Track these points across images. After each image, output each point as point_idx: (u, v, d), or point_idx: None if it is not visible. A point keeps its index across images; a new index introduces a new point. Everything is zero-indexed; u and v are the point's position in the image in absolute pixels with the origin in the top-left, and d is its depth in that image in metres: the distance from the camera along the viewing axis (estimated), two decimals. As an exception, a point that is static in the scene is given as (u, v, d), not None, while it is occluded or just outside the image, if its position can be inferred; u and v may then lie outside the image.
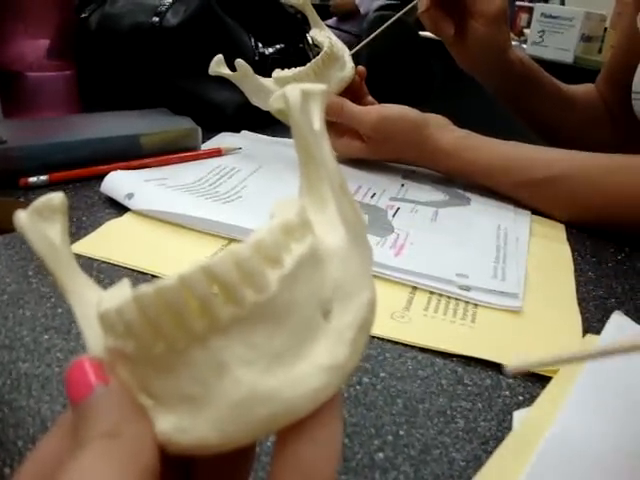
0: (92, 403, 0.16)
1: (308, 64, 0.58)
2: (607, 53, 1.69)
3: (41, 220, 0.19)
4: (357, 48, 0.63)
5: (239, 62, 0.57)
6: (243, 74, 0.58)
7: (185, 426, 0.16)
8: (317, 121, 0.20)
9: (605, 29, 1.81)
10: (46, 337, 0.34)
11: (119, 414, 0.16)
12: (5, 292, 0.37)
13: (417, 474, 0.27)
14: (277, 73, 0.59)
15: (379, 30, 0.64)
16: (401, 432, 0.30)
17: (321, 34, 0.61)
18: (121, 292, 0.19)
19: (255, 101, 0.60)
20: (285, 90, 0.20)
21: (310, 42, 0.64)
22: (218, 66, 0.58)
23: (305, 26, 0.75)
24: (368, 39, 0.65)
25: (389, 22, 0.65)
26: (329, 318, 0.17)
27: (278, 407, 0.16)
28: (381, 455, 0.28)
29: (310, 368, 0.16)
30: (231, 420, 0.16)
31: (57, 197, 0.19)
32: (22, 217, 0.19)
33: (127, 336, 0.16)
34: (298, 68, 0.58)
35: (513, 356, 0.31)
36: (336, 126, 0.60)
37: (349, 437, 0.29)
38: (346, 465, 0.27)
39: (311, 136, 0.19)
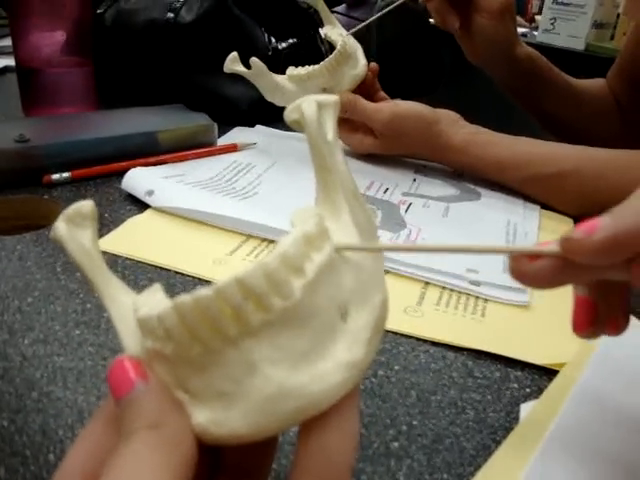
0: (134, 398, 0.18)
1: (322, 62, 0.59)
2: (619, 40, 1.68)
3: (74, 227, 0.21)
4: (358, 27, 0.63)
5: (254, 60, 0.58)
6: (258, 72, 0.59)
7: (219, 419, 0.18)
8: (330, 131, 0.21)
9: (618, 15, 1.80)
10: (77, 332, 0.36)
11: (159, 407, 0.18)
12: (36, 288, 0.39)
13: (430, 462, 0.29)
14: (291, 71, 0.60)
15: (381, 13, 0.65)
16: (414, 422, 0.31)
17: (334, 31, 0.62)
18: (155, 296, 0.20)
19: (270, 97, 0.62)
20: (301, 103, 0.21)
21: (323, 37, 0.65)
22: (233, 64, 0.59)
23: (318, 20, 0.76)
24: (370, 20, 0.65)
25: (393, 6, 0.66)
26: (346, 319, 0.19)
27: (304, 401, 0.17)
28: (396, 444, 0.30)
29: (331, 365, 0.18)
30: (261, 413, 0.17)
31: (87, 204, 0.21)
32: (61, 228, 0.21)
33: (166, 339, 0.18)
34: (312, 66, 0.59)
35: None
36: (349, 122, 0.62)
37: (365, 427, 0.31)
38: (363, 453, 0.29)
39: (325, 147, 0.21)
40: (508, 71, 0.69)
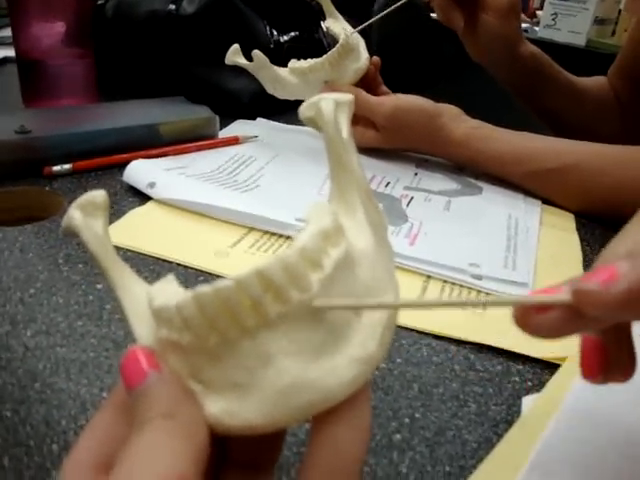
0: (147, 388, 0.18)
1: (324, 55, 0.59)
2: (620, 36, 1.68)
3: (87, 216, 0.21)
4: (362, 26, 0.63)
5: (256, 53, 0.58)
6: (260, 65, 0.59)
7: (233, 410, 0.18)
8: (345, 130, 0.21)
9: (619, 11, 1.79)
10: (80, 323, 0.36)
11: (173, 397, 0.18)
12: (38, 280, 0.39)
13: (432, 454, 0.29)
14: (293, 63, 0.60)
15: (384, 12, 0.65)
16: (417, 415, 0.31)
17: (336, 25, 0.61)
18: (169, 287, 0.20)
19: (271, 90, 0.62)
20: (318, 101, 0.21)
21: (325, 30, 0.65)
22: (235, 55, 0.59)
23: (320, 13, 0.76)
24: (374, 19, 0.65)
25: (396, 5, 0.65)
26: (360, 315, 0.19)
27: (317, 394, 0.17)
28: (398, 436, 0.30)
29: (345, 360, 0.18)
30: (275, 405, 0.17)
31: (100, 194, 0.21)
32: (76, 216, 0.21)
33: (184, 329, 0.18)
34: (314, 59, 0.59)
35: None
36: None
37: (368, 420, 0.31)
38: (365, 446, 0.29)
39: (342, 146, 0.21)
40: (511, 69, 0.69)
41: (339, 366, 0.18)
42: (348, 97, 0.21)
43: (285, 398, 0.17)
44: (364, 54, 0.60)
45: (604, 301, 0.18)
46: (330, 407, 0.18)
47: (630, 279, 0.18)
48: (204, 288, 0.17)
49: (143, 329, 0.19)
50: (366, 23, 0.63)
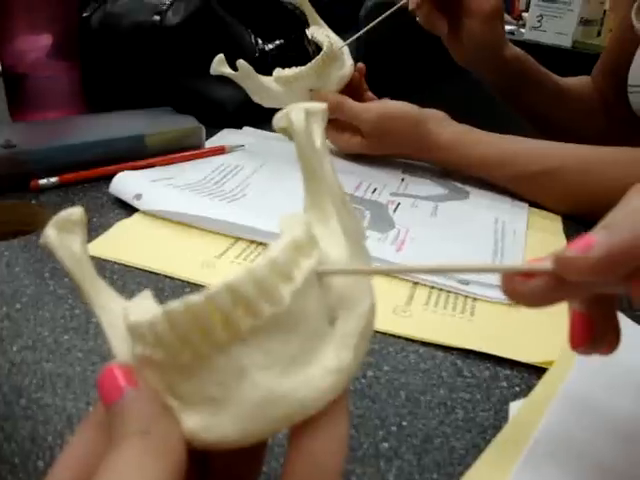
0: (124, 404, 0.18)
1: (308, 64, 0.59)
2: (606, 37, 1.69)
3: (64, 234, 0.21)
4: (352, 38, 0.64)
5: (240, 63, 0.58)
6: (245, 74, 0.59)
7: (209, 424, 0.18)
8: (318, 139, 0.21)
9: (604, 12, 1.81)
10: (66, 337, 0.35)
11: (149, 414, 0.18)
12: (25, 294, 0.39)
13: (420, 462, 0.29)
14: (278, 72, 0.60)
15: (375, 22, 0.65)
16: (404, 423, 0.31)
17: (320, 32, 0.62)
18: (145, 303, 0.20)
19: (257, 99, 0.62)
20: (289, 111, 0.21)
21: (310, 38, 0.65)
22: (220, 65, 0.59)
23: (305, 21, 0.76)
24: (363, 31, 0.65)
25: (385, 15, 0.66)
26: (334, 325, 0.19)
27: (292, 406, 0.17)
28: (386, 445, 0.30)
29: (319, 371, 0.18)
30: (250, 419, 0.18)
31: (76, 211, 0.21)
32: (51, 234, 0.21)
33: (157, 345, 0.18)
34: (299, 67, 0.59)
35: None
36: (337, 122, 0.62)
37: (355, 428, 0.31)
38: (353, 455, 0.29)
39: (314, 155, 0.21)
40: (496, 72, 0.69)
41: (314, 377, 0.18)
42: (320, 106, 0.22)
43: (260, 411, 0.17)
44: (348, 61, 0.61)
45: (582, 266, 0.20)
46: (306, 418, 0.18)
47: (606, 245, 0.20)
48: (175, 304, 0.17)
49: (120, 345, 0.19)
50: (356, 35, 0.64)
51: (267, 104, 0.62)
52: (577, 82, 0.78)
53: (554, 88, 0.73)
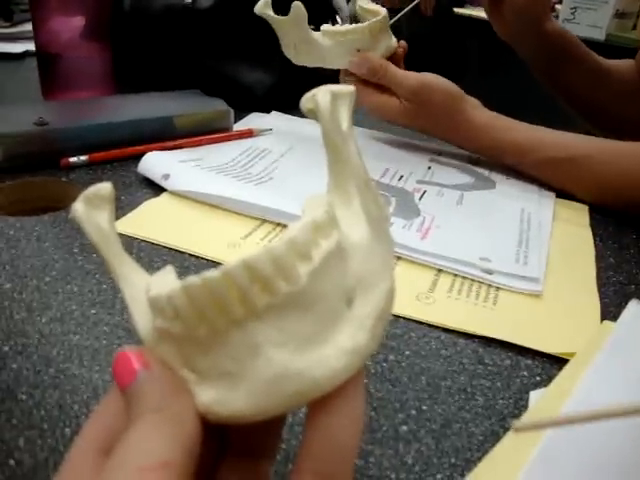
0: (137, 386, 0.18)
1: (365, 23, 0.58)
2: (641, 30, 1.65)
3: (92, 208, 0.21)
4: (402, 13, 0.64)
5: (297, 4, 0.55)
6: (297, 19, 0.56)
7: (223, 399, 0.18)
8: (345, 121, 0.21)
9: (640, 4, 1.77)
10: (93, 312, 0.36)
11: (162, 393, 0.18)
12: (54, 268, 0.40)
13: (438, 446, 0.29)
14: (326, 27, 0.59)
15: (414, 3, 0.65)
16: (424, 407, 0.32)
17: (370, 4, 0.62)
18: (167, 278, 0.21)
19: (291, 53, 0.59)
20: (316, 92, 0.21)
21: (357, 10, 0.64)
22: (264, 7, 0.56)
23: (336, 8, 0.76)
24: (405, 10, 0.65)
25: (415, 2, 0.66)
26: (352, 306, 0.19)
27: (305, 384, 0.18)
28: (405, 428, 0.30)
29: (334, 351, 0.18)
30: (263, 394, 0.18)
31: (105, 187, 0.21)
32: (79, 209, 0.21)
33: (175, 319, 0.18)
34: (353, 25, 0.59)
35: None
36: (377, 87, 0.61)
37: (375, 410, 0.31)
38: (372, 436, 0.30)
39: (339, 137, 0.21)
40: (537, 47, 0.68)
41: (328, 357, 0.18)
42: (349, 89, 0.21)
43: (273, 387, 0.18)
44: (393, 37, 0.61)
45: None
46: (319, 397, 0.18)
47: None
48: (193, 278, 0.17)
49: (142, 319, 0.20)
50: (399, 14, 0.64)
51: (303, 61, 0.59)
52: (620, 64, 0.76)
53: (595, 68, 0.72)
